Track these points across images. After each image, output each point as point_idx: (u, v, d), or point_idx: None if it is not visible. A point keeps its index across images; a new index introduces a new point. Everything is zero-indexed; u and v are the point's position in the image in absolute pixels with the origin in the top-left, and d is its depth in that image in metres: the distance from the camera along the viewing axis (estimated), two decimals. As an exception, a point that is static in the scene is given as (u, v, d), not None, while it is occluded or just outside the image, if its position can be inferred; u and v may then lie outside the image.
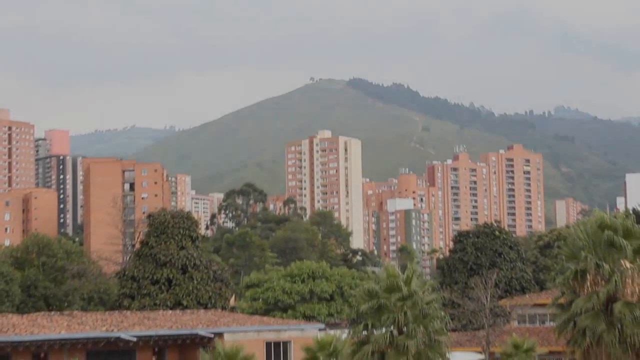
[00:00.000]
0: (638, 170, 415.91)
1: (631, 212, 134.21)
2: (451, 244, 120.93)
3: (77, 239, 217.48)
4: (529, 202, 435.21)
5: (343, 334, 58.80)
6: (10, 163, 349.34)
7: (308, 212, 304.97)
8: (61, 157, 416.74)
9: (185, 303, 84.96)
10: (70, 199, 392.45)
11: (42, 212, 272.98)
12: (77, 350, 57.10)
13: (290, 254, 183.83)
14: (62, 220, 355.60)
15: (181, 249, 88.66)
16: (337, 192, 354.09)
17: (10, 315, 60.90)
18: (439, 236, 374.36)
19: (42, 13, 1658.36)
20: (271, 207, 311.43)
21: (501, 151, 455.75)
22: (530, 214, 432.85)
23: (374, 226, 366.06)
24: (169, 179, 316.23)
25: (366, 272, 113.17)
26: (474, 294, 76.78)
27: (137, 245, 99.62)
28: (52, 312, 70.41)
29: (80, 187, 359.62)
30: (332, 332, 65.26)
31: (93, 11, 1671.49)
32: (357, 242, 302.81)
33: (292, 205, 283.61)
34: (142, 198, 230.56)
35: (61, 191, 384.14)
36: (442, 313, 52.63)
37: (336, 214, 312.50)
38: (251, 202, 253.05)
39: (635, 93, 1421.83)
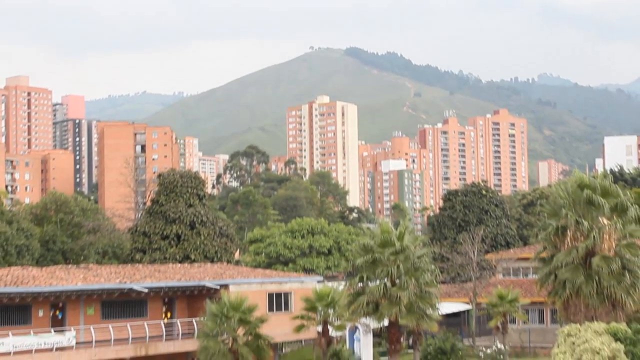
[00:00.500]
0: (616, 133, 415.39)
1: (609, 172, 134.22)
2: (441, 202, 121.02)
3: (92, 197, 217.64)
4: (514, 163, 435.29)
5: (340, 286, 58.99)
6: (29, 126, 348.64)
7: (307, 172, 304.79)
8: (77, 121, 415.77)
9: (193, 257, 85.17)
10: (85, 160, 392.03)
11: (60, 172, 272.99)
12: (93, 300, 57.34)
13: (290, 211, 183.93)
14: (78, 180, 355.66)
15: (189, 207, 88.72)
16: (334, 154, 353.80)
17: (31, 268, 61.01)
18: (430, 195, 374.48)
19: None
20: (273, 167, 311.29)
21: (488, 115, 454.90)
22: (515, 174, 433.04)
23: (369, 185, 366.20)
24: (178, 141, 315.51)
25: (362, 228, 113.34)
26: (462, 248, 77.01)
27: (148, 203, 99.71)
28: (69, 265, 70.54)
29: (94, 149, 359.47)
30: (329, 284, 65.47)
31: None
32: (353, 200, 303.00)
33: (292, 166, 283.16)
34: (153, 159, 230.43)
35: (77, 153, 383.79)
36: (432, 266, 52.79)
37: (334, 174, 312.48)
38: (254, 163, 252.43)
39: (614, 61, 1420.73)
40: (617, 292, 44.33)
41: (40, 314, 54.90)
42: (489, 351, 49.45)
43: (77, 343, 53.46)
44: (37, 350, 50.86)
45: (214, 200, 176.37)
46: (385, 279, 50.46)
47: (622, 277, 44.61)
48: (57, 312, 56.18)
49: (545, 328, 73.08)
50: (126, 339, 55.70)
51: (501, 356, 49.56)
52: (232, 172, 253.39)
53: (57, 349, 51.94)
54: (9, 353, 49.61)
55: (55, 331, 53.15)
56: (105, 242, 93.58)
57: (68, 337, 52.89)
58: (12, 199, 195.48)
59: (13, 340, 50.11)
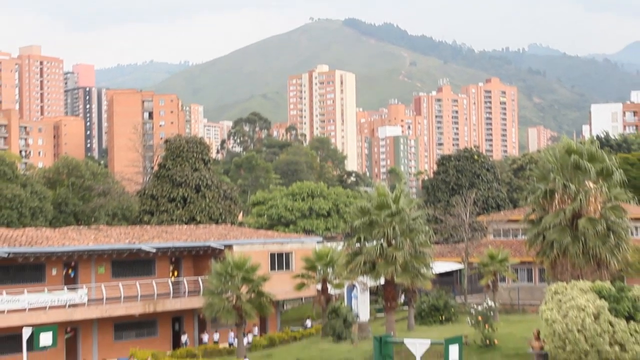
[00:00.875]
0: (602, 101, 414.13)
1: (595, 138, 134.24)
2: (435, 167, 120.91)
3: (102, 162, 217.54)
4: (505, 130, 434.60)
5: (338, 246, 59.18)
6: (42, 94, 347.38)
7: (308, 138, 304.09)
8: (87, 89, 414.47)
9: (198, 219, 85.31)
10: (95, 126, 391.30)
11: (71, 138, 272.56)
12: (104, 259, 57.53)
13: (291, 175, 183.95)
14: (88, 145, 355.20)
15: (195, 171, 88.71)
16: (333, 121, 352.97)
17: (44, 229, 61.19)
18: (424, 160, 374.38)
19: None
20: (275, 133, 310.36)
21: (480, 84, 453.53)
22: (506, 140, 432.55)
23: (366, 151, 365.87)
24: (184, 108, 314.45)
25: (359, 191, 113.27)
26: (454, 211, 77.05)
27: (156, 168, 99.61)
28: (81, 226, 70.67)
29: (104, 116, 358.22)
30: (328, 244, 65.67)
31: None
32: (352, 165, 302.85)
33: (293, 132, 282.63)
34: (160, 125, 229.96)
35: (87, 119, 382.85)
36: (427, 228, 52.85)
37: (333, 140, 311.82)
38: (257, 129, 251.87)
39: (600, 32, 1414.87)
40: (602, 252, 44.40)
41: (54, 272, 55.12)
42: (479, 308, 49.58)
43: (88, 300, 53.75)
44: (51, 307, 51.15)
45: (218, 165, 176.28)
46: (382, 240, 50.56)
47: (607, 238, 44.67)
48: (70, 271, 56.41)
49: (533, 286, 73.33)
50: (135, 296, 55.99)
51: (491, 313, 49.70)
52: (235, 137, 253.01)
53: (69, 306, 52.23)
54: (25, 309, 49.91)
55: (68, 289, 53.38)
56: (115, 204, 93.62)
57: (80, 294, 53.14)
58: (26, 163, 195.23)
59: (28, 297, 50.37)
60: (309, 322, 67.13)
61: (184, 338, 59.79)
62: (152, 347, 56.12)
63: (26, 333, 42.29)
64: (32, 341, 42.10)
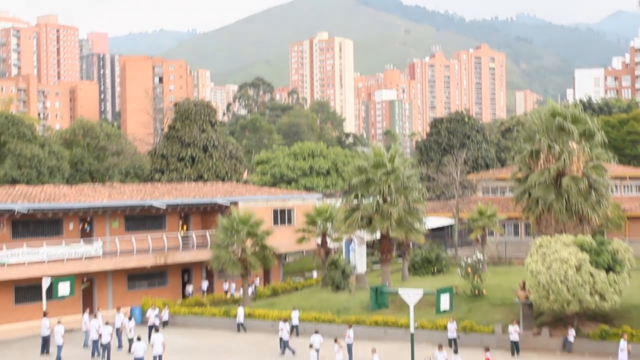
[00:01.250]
0: (585, 66, 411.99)
1: (578, 102, 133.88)
2: (428, 129, 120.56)
3: (115, 124, 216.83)
4: (493, 94, 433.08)
5: (337, 203, 59.16)
6: (59, 60, 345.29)
7: (308, 101, 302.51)
8: (101, 55, 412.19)
9: (206, 177, 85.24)
10: (109, 91, 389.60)
11: (86, 101, 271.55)
12: (117, 215, 57.54)
13: (293, 136, 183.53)
14: (102, 108, 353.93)
15: (202, 132, 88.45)
16: (332, 85, 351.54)
17: (62, 186, 61.13)
18: (418, 122, 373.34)
19: None
20: (277, 97, 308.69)
21: (471, 50, 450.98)
22: (494, 104, 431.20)
23: (363, 113, 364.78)
24: (192, 73, 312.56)
25: (357, 151, 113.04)
26: (446, 169, 76.96)
27: (166, 129, 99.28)
28: (96, 184, 70.59)
29: (117, 81, 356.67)
30: (328, 201, 65.70)
31: None
32: (349, 126, 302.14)
33: (295, 96, 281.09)
34: (170, 89, 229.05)
35: (101, 84, 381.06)
36: (420, 185, 52.83)
37: (332, 103, 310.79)
38: (261, 93, 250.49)
39: (584, 3, 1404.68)
40: (584, 208, 44.44)
41: (71, 227, 55.16)
42: (469, 260, 49.72)
43: (103, 252, 53.86)
44: (68, 259, 51.26)
45: (224, 127, 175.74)
46: (378, 197, 50.57)
47: (589, 195, 44.70)
48: (86, 225, 56.44)
49: (519, 240, 73.51)
50: (147, 249, 56.11)
51: (480, 265, 49.84)
52: (240, 101, 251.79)
53: (86, 258, 52.34)
54: (44, 261, 50.02)
55: (84, 242, 53.48)
56: (128, 163, 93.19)
57: (96, 247, 53.23)
58: (44, 125, 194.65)
59: (47, 250, 50.45)
60: (314, 273, 67.68)
61: (189, 288, 60.09)
62: (163, 296, 56.40)
63: (46, 283, 42.48)
64: (51, 291, 42.30)
